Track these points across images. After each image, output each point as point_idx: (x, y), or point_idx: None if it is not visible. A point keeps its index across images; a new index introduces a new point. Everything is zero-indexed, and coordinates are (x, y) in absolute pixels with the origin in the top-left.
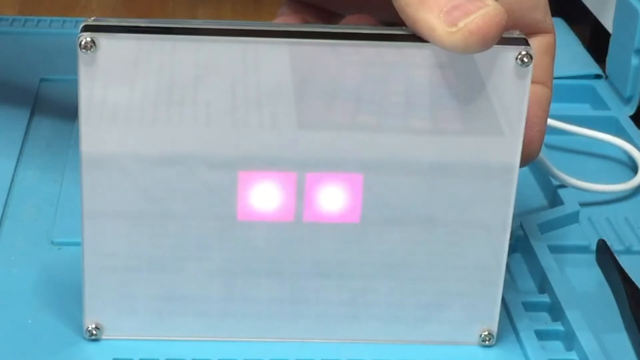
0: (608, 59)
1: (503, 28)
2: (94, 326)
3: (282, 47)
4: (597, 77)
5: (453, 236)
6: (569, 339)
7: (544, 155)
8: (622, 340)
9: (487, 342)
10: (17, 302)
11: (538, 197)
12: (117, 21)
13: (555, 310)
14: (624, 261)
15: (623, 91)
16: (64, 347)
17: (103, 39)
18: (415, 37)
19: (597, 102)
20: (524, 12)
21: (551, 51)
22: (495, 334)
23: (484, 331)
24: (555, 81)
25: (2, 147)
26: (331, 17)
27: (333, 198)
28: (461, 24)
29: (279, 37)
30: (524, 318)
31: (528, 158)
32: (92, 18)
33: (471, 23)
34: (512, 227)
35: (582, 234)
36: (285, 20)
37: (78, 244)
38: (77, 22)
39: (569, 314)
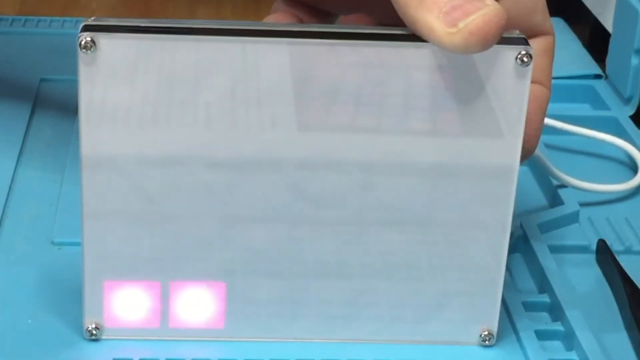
0: (608, 59)
1: (503, 28)
2: (94, 326)
3: (282, 47)
4: (597, 77)
5: (453, 236)
6: (569, 339)
7: (544, 155)
8: (622, 340)
9: (487, 342)
10: (17, 302)
11: (538, 197)
12: (117, 21)
13: (555, 310)
14: (624, 261)
15: (623, 91)
16: (64, 347)
17: (103, 39)
18: (414, 37)
19: (597, 102)
20: (522, 17)
21: (550, 52)
22: (495, 334)
23: (484, 331)
24: (555, 81)
25: (2, 147)
26: (326, 17)
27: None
28: (461, 25)
29: (279, 37)
30: (524, 318)
31: (524, 156)
32: (92, 18)
33: (471, 23)
34: (512, 227)
35: (582, 234)
36: (278, 17)
37: (78, 244)
38: (77, 22)
39: (569, 314)
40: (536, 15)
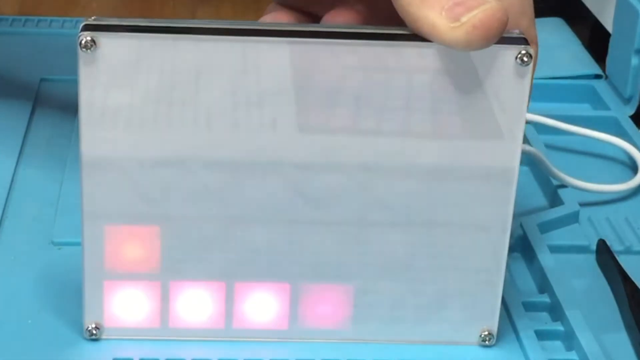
0: (608, 59)
1: (505, 24)
2: (94, 326)
3: (283, 47)
4: (597, 77)
5: (453, 237)
6: (569, 339)
7: (544, 155)
8: (622, 340)
9: (487, 342)
10: (17, 302)
11: (538, 197)
12: (118, 20)
13: (555, 310)
14: (624, 261)
15: (623, 91)
16: (64, 347)
17: (103, 38)
18: (415, 37)
19: (597, 102)
20: (510, 19)
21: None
22: (495, 334)
23: (484, 331)
24: (555, 81)
25: (2, 147)
26: (318, 20)
27: None
28: (464, 19)
29: (279, 37)
30: (524, 318)
31: None
32: (93, 17)
33: (474, 17)
34: (512, 227)
35: (582, 234)
36: (274, 19)
37: (78, 244)
38: (77, 22)
39: (569, 314)
40: (523, 20)
